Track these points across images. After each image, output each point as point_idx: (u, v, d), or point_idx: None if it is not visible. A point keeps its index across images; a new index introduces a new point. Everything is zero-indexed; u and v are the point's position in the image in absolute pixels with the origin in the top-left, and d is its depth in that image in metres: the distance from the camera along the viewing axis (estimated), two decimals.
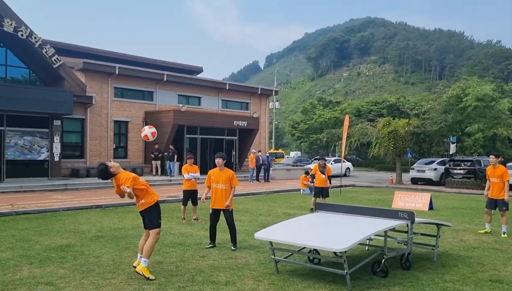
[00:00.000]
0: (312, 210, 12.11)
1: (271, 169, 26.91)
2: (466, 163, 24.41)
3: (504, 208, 9.93)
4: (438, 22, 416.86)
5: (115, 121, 24.62)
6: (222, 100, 30.07)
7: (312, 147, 60.69)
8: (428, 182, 25.22)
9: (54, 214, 12.30)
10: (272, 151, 45.71)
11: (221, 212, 8.04)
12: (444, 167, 25.14)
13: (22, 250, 7.71)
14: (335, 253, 6.81)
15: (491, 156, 10.37)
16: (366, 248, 7.93)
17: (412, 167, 27.24)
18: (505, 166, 10.89)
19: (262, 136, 31.90)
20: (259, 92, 32.05)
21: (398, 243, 7.65)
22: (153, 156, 24.03)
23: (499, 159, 10.30)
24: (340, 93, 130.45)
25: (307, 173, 20.36)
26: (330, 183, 13.66)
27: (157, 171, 24.11)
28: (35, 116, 20.41)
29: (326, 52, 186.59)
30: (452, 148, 31.91)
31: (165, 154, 23.79)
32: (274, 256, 6.51)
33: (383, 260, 6.32)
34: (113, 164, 6.26)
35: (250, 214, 12.62)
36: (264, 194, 19.03)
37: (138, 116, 25.51)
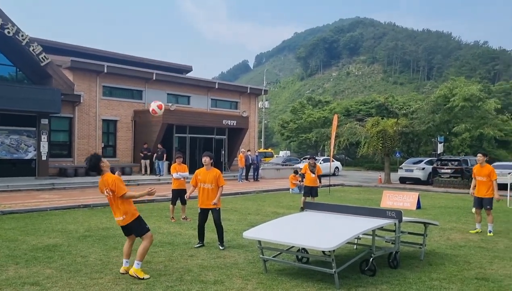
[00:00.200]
0: (302, 209, 12.14)
1: (260, 168, 26.92)
2: (453, 162, 24.67)
3: (488, 207, 10.03)
4: (426, 23, 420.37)
5: (103, 120, 24.45)
6: (212, 99, 30.01)
7: (301, 146, 60.85)
8: (416, 181, 25.43)
9: (41, 213, 12.18)
10: (261, 150, 45.73)
11: (209, 211, 8.02)
12: (431, 166, 25.38)
13: (8, 250, 7.62)
14: (323, 252, 6.84)
15: (478, 155, 10.46)
16: (355, 247, 7.97)
17: (400, 166, 27.45)
18: (491, 165, 11.00)
19: (251, 135, 31.91)
20: (248, 91, 32.04)
21: (386, 242, 7.70)
22: (142, 155, 23.92)
23: (486, 158, 10.41)
24: (329, 93, 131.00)
25: (296, 172, 20.40)
26: (320, 182, 13.71)
27: (146, 170, 23.99)
28: (22, 114, 20.19)
29: (315, 52, 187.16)
30: (440, 148, 32.17)
31: (155, 154, 23.67)
32: (263, 255, 6.51)
33: (371, 258, 6.36)
34: (105, 161, 6.19)
35: (239, 213, 12.62)
36: (253, 193, 19.04)
37: (127, 115, 25.36)
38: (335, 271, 5.72)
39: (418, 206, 14.70)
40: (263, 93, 35.15)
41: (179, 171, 11.28)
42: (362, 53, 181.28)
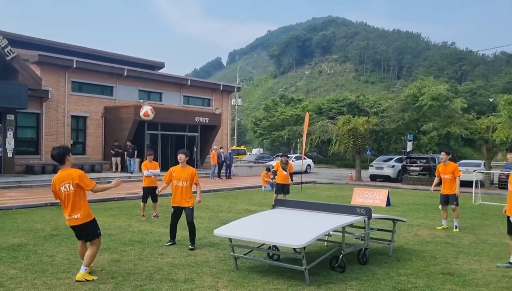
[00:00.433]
0: (273, 207, 12.18)
1: (232, 165, 26.88)
2: (421, 160, 25.22)
3: (454, 203, 10.30)
4: (396, 23, 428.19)
5: (72, 116, 23.91)
6: (184, 96, 29.76)
7: (274, 144, 61.04)
8: (386, 178, 25.89)
9: (7, 212, 11.83)
10: (234, 147, 45.69)
11: (182, 209, 7.91)
12: (401, 164, 25.87)
13: None
14: (294, 249, 6.87)
15: (442, 153, 10.72)
16: (325, 244, 8.05)
17: (371, 164, 27.89)
18: (455, 163, 11.31)
19: (224, 133, 31.82)
20: (221, 88, 31.93)
21: (356, 238, 7.80)
22: (113, 152, 23.50)
23: (450, 156, 10.68)
24: (302, 91, 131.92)
25: (268, 169, 20.47)
26: (291, 179, 13.77)
27: (117, 168, 23.59)
28: None
29: (288, 50, 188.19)
30: (409, 146, 32.84)
31: (126, 152, 23.31)
32: (234, 252, 6.50)
33: (341, 255, 6.44)
34: (71, 157, 6.02)
35: (210, 211, 12.57)
36: (225, 190, 19.00)
37: (97, 112, 24.87)
38: (305, 268, 5.76)
39: (388, 203, 14.96)
40: (236, 90, 35.10)
41: (150, 168, 11.15)
42: (335, 52, 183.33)
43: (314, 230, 6.06)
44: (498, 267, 6.90)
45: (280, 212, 7.56)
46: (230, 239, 6.45)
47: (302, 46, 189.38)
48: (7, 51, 19.23)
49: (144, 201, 11.18)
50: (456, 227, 10.19)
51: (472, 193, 16.28)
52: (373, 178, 26.60)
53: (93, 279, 5.73)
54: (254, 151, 59.93)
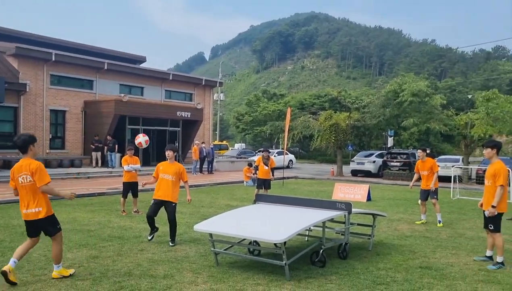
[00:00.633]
0: (255, 202, 12.19)
1: (214, 160, 26.80)
2: (402, 155, 25.52)
3: (435, 197, 10.45)
4: (378, 19, 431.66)
5: (51, 110, 23.50)
6: (166, 90, 29.52)
7: (256, 139, 61.06)
8: (367, 173, 26.14)
9: None
10: (216, 142, 45.55)
11: (164, 205, 7.72)
12: (382, 159, 26.14)
13: None
14: (275, 244, 6.88)
15: (418, 151, 10.90)
16: (306, 239, 8.08)
17: (352, 159, 28.11)
18: (434, 159, 11.48)
19: (206, 127, 31.69)
20: (203, 83, 31.75)
21: (336, 233, 7.86)
22: (93, 147, 23.19)
23: (427, 152, 10.83)
24: (284, 86, 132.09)
25: (250, 165, 20.45)
26: (272, 175, 13.78)
27: (97, 163, 23.30)
28: None
29: (271, 45, 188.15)
30: (390, 141, 33.17)
31: (106, 146, 23.03)
32: (214, 248, 6.47)
33: (321, 250, 6.47)
34: (35, 149, 5.61)
35: (192, 206, 12.48)
36: (207, 185, 18.94)
37: (76, 106, 24.50)
38: (285, 263, 5.77)
39: (368, 198, 15.11)
40: (218, 85, 34.97)
41: (130, 163, 11.03)
42: (317, 48, 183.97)
43: (294, 225, 6.07)
44: (475, 260, 7.02)
45: (261, 207, 7.56)
46: (211, 234, 6.42)
47: (284, 41, 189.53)
48: None
49: (124, 196, 11.06)
50: (440, 222, 10.33)
51: (450, 188, 16.54)
52: (354, 173, 26.83)
53: (70, 274, 5.62)
54: (237, 146, 59.91)
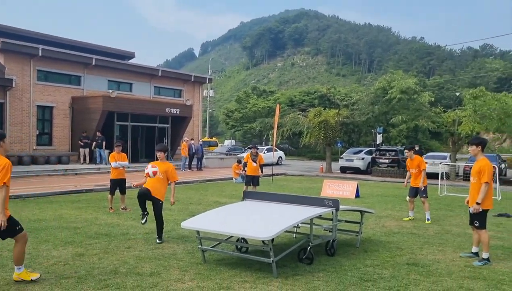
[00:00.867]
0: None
1: (204, 157, 26.72)
2: (390, 152, 25.64)
3: (424, 195, 10.52)
4: (368, 17, 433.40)
5: (38, 106, 23.22)
6: (155, 87, 29.33)
7: (246, 136, 61.01)
8: (356, 170, 26.24)
9: None
10: (205, 139, 45.43)
11: (152, 201, 7.63)
12: (371, 156, 26.25)
13: None
14: (263, 241, 6.86)
15: (405, 150, 10.97)
16: (294, 236, 8.08)
17: (341, 156, 28.20)
18: (421, 156, 11.58)
19: (195, 124, 31.56)
20: (192, 79, 31.59)
21: (324, 230, 7.86)
22: (82, 143, 22.96)
23: (414, 150, 10.90)
24: (274, 83, 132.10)
25: (239, 161, 20.43)
26: (261, 171, 13.76)
27: (85, 159, 23.09)
28: None
29: (261, 42, 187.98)
30: (379, 138, 33.39)
31: (94, 142, 22.82)
32: (201, 245, 6.43)
33: (309, 247, 6.46)
34: (4, 145, 5.36)
35: (180, 203, 12.43)
36: (196, 182, 18.88)
37: (64, 102, 24.23)
38: (273, 260, 5.75)
39: (357, 195, 15.16)
40: (207, 81, 34.81)
41: (118, 160, 10.95)
42: (307, 45, 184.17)
43: (281, 222, 6.05)
44: (461, 257, 7.07)
45: (249, 204, 7.53)
46: (198, 232, 6.38)
47: (274, 38, 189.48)
48: None
49: (112, 193, 10.98)
50: (428, 219, 10.39)
51: (438, 184, 16.66)
52: (343, 170, 26.92)
53: (32, 279, 5.23)
54: (227, 142, 59.81)
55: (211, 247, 6.64)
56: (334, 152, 32.22)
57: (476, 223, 6.86)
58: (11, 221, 5.23)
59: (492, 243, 8.06)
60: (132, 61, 31.43)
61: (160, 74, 29.13)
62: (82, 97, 24.60)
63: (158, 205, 7.66)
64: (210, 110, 61.29)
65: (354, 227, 8.31)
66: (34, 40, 24.08)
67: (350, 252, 7.23)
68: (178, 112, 26.64)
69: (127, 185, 11.20)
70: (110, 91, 24.13)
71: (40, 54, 22.53)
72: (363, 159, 26.48)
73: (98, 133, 22.75)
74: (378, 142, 33.23)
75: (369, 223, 9.80)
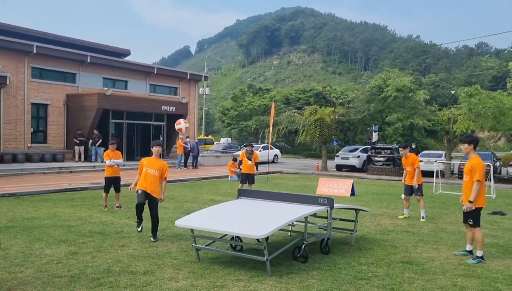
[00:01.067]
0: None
1: (199, 155, 26.66)
2: (386, 150, 25.67)
3: (419, 193, 10.53)
4: (364, 15, 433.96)
5: (32, 103, 23.09)
6: (150, 84, 29.23)
7: (242, 134, 61.00)
8: (351, 168, 26.25)
9: None
10: (201, 137, 45.35)
11: (148, 199, 7.63)
12: (366, 154, 26.28)
13: None
14: (257, 239, 6.85)
15: (400, 149, 10.99)
16: (289, 234, 8.07)
17: (337, 154, 28.22)
18: (417, 155, 11.58)
19: (191, 122, 31.43)
20: (188, 77, 31.51)
21: (319, 228, 7.85)
22: (77, 141, 22.84)
23: (409, 148, 10.91)
24: (270, 81, 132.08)
25: (235, 159, 20.39)
26: (257, 169, 13.74)
27: (80, 157, 22.98)
28: None
29: (257, 40, 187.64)
30: (375, 136, 33.42)
31: (90, 140, 22.71)
32: (196, 243, 6.41)
33: (303, 245, 6.45)
34: None
35: (175, 201, 12.42)
36: (191, 180, 18.83)
37: (58, 99, 24.11)
38: (267, 259, 5.74)
39: (352, 193, 15.17)
40: (203, 79, 34.74)
41: (112, 157, 10.89)
42: (303, 43, 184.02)
43: (276, 221, 6.03)
44: (455, 255, 7.08)
45: (243, 202, 7.51)
46: (192, 230, 6.36)
47: (271, 36, 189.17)
48: None
49: (106, 191, 10.92)
50: (423, 218, 10.41)
51: (433, 182, 16.70)
52: (339, 168, 26.93)
53: None
54: (223, 140, 59.81)
55: (205, 246, 6.61)
56: (330, 150, 32.26)
57: (470, 221, 6.87)
58: None
59: (486, 241, 8.08)
60: (127, 58, 31.27)
61: (155, 72, 29.03)
62: (77, 94, 24.49)
63: (154, 203, 7.67)
64: (206, 108, 61.18)
65: (349, 225, 8.31)
66: (28, 37, 23.93)
67: (345, 250, 7.23)
68: (173, 110, 26.56)
69: (122, 183, 11.16)
70: (105, 88, 24.03)
71: (35, 51, 22.39)
72: (358, 157, 26.50)
73: (95, 131, 22.65)
74: (373, 141, 33.27)
75: (364, 221, 9.80)
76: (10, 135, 21.99)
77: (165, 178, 7.89)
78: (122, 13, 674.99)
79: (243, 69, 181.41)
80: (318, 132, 25.85)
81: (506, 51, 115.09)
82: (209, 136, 52.89)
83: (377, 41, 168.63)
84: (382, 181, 21.24)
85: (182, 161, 24.43)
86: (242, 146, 38.50)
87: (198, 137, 35.11)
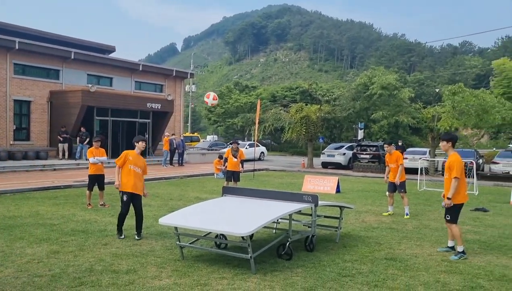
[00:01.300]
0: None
1: (185, 152, 26.53)
2: (371, 148, 25.83)
3: (402, 190, 10.62)
4: (350, 13, 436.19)
5: (15, 100, 22.72)
6: (135, 81, 28.97)
7: (228, 131, 60.88)
8: (337, 166, 26.37)
9: None
10: (187, 134, 45.14)
11: (132, 198, 7.57)
12: (352, 151, 26.42)
13: None
14: (242, 237, 6.82)
15: (384, 145, 11.07)
16: (274, 231, 8.06)
17: (323, 151, 28.32)
18: (403, 152, 11.68)
19: (177, 119, 31.30)
20: (174, 74, 31.31)
21: (303, 225, 7.86)
22: (61, 139, 22.52)
23: (394, 145, 10.99)
24: (257, 79, 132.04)
25: (220, 157, 20.32)
26: (242, 167, 13.72)
27: (63, 154, 22.69)
28: None
29: (243, 37, 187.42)
30: (360, 134, 33.61)
31: (78, 138, 22.41)
32: (180, 241, 6.36)
33: (288, 243, 6.45)
34: None
35: (160, 199, 12.33)
36: (177, 178, 18.73)
37: (42, 96, 23.75)
38: (251, 256, 5.72)
39: (338, 190, 15.22)
40: (189, 76, 34.55)
41: (96, 155, 10.78)
42: (289, 40, 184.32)
43: (260, 218, 6.01)
44: (438, 251, 7.15)
45: (228, 199, 7.48)
46: (176, 228, 6.31)
47: (257, 33, 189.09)
48: None
49: (90, 189, 10.80)
50: (407, 214, 10.49)
51: (417, 179, 16.86)
52: (325, 165, 27.03)
53: None
54: (209, 137, 59.56)
55: (189, 243, 6.57)
56: (316, 147, 32.36)
57: (447, 217, 6.97)
58: None
59: (468, 237, 8.19)
60: (112, 55, 30.98)
61: (141, 69, 28.79)
62: (61, 91, 24.16)
63: (139, 201, 7.65)
64: (192, 105, 60.86)
65: (333, 222, 8.33)
66: (10, 33, 23.51)
67: (329, 248, 7.25)
68: (159, 107, 26.37)
69: (106, 180, 11.05)
70: (90, 85, 23.73)
71: (17, 47, 22.01)
72: (344, 154, 26.64)
73: (82, 129, 22.34)
74: (359, 138, 33.46)
75: (349, 218, 9.85)
76: None
77: (146, 174, 7.96)
78: (107, 9, 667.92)
79: (230, 67, 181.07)
80: (304, 130, 25.88)
81: (489, 50, 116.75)
82: (195, 134, 52.69)
83: (363, 39, 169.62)
84: (367, 178, 21.37)
85: (168, 158, 24.28)
86: (228, 143, 38.45)
87: (184, 135, 34.94)
